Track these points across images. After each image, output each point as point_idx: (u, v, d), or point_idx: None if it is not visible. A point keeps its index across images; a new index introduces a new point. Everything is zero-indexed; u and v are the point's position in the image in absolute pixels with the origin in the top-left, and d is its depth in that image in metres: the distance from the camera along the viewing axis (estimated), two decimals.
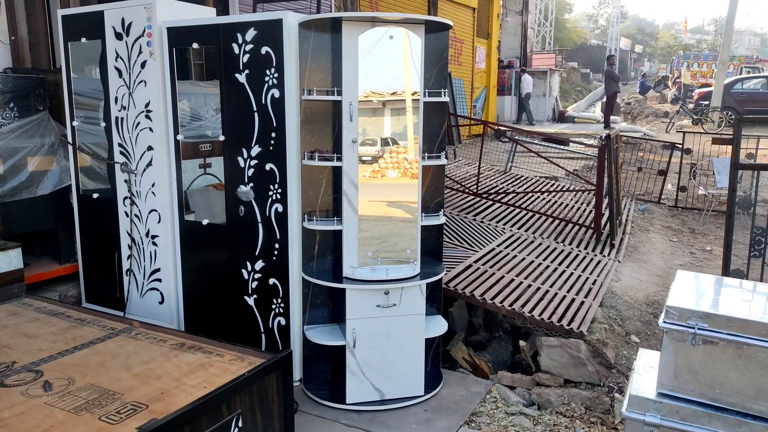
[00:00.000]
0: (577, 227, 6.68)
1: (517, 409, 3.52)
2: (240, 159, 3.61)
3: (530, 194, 7.78)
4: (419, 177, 3.46)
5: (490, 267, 4.95)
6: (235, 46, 3.51)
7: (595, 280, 5.09)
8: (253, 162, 3.57)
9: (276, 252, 3.58)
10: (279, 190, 3.51)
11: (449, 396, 3.59)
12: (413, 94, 3.37)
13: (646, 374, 2.71)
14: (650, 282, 5.57)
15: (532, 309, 4.23)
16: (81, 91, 4.24)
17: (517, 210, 7.01)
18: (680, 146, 9.35)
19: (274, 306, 3.65)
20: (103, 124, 4.14)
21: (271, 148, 3.50)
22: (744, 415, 2.38)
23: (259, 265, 3.65)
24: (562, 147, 11.22)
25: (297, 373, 3.66)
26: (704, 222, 8.15)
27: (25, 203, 4.28)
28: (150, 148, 3.93)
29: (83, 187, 4.34)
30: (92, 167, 4.31)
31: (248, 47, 3.47)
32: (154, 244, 4.02)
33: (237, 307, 3.77)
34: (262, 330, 3.71)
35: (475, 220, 6.43)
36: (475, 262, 5.01)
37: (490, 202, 7.17)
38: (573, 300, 4.53)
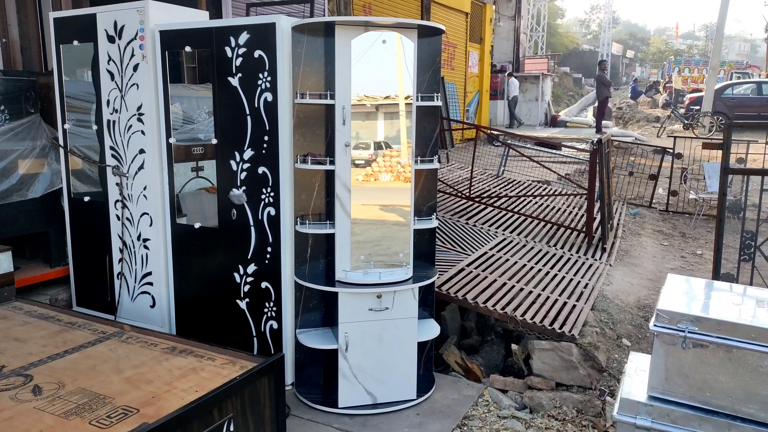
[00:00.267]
0: (569, 231, 6.71)
1: (509, 412, 3.52)
2: (232, 162, 3.61)
3: (522, 198, 7.81)
4: (412, 181, 3.47)
5: (483, 270, 4.96)
6: (227, 49, 3.51)
7: (587, 284, 5.11)
8: (246, 165, 3.57)
9: (268, 255, 3.57)
10: (271, 194, 3.51)
11: (441, 400, 3.59)
12: (406, 98, 3.37)
13: (637, 377, 2.73)
14: (641, 285, 5.59)
15: (524, 312, 4.24)
16: (73, 94, 4.23)
17: (510, 214, 7.04)
18: (671, 151, 9.42)
19: (266, 310, 3.64)
20: (94, 127, 4.12)
21: (263, 151, 3.49)
22: (734, 417, 2.40)
23: (251, 268, 3.64)
24: (554, 151, 11.28)
25: (289, 377, 3.65)
26: (695, 226, 8.21)
27: (16, 206, 4.25)
28: (142, 151, 3.92)
29: (74, 190, 4.32)
30: (84, 170, 4.29)
31: (241, 51, 3.47)
32: (146, 247, 4.00)
33: (229, 310, 3.76)
34: (254, 334, 3.70)
35: (467, 223, 6.44)
36: (468, 265, 5.02)
37: (483, 206, 7.19)
38: (565, 303, 4.55)
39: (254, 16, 7.00)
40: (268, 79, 3.40)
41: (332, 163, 3.36)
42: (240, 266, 3.67)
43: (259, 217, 3.57)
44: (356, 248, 3.41)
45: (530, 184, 8.90)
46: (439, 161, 3.67)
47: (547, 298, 4.60)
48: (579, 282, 5.12)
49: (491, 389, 3.77)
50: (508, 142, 9.70)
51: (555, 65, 29.00)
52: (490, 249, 5.62)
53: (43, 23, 5.16)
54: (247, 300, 3.69)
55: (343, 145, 3.31)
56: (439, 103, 3.62)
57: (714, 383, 2.42)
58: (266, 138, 3.47)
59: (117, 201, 4.08)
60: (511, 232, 6.38)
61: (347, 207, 3.36)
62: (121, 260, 4.13)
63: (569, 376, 3.85)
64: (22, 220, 4.30)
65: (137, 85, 3.85)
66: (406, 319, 3.45)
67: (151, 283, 4.03)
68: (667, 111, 21.38)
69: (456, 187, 7.69)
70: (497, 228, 6.47)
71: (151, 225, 3.96)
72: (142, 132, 3.89)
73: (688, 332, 2.43)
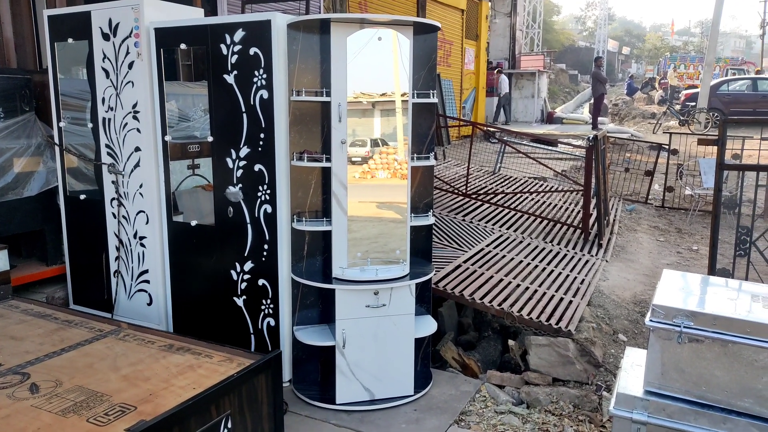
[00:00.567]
0: (565, 227, 6.73)
1: (506, 407, 3.54)
2: (228, 160, 3.60)
3: (519, 195, 7.82)
4: (408, 178, 3.47)
5: (480, 267, 4.97)
6: (223, 46, 3.50)
7: (583, 280, 5.12)
8: (242, 163, 3.56)
9: (265, 253, 3.57)
10: (268, 191, 3.51)
11: (439, 395, 3.60)
12: (402, 95, 3.38)
13: (633, 372, 2.74)
14: (637, 281, 5.61)
15: (521, 308, 4.25)
16: (68, 92, 4.21)
17: (506, 210, 7.05)
18: (667, 147, 9.44)
19: (263, 307, 3.64)
20: (90, 125, 4.11)
21: (259, 149, 3.49)
22: (729, 411, 2.41)
23: (248, 266, 3.64)
24: (550, 148, 11.29)
25: (287, 373, 3.66)
26: (691, 222, 8.23)
27: (12, 205, 4.24)
28: (137, 149, 3.91)
29: (70, 188, 4.31)
30: (79, 168, 4.29)
31: (236, 48, 3.46)
32: (142, 245, 4.00)
33: (226, 308, 3.76)
34: (252, 331, 3.70)
35: (464, 220, 6.45)
36: (465, 262, 5.03)
37: (479, 203, 7.20)
38: (561, 299, 4.56)
39: (250, 13, 6.99)
40: (264, 76, 3.40)
41: (328, 160, 3.36)
42: (237, 264, 3.67)
43: (256, 215, 3.57)
44: (353, 245, 3.41)
45: (527, 181, 8.91)
46: (436, 158, 3.67)
47: (544, 294, 4.62)
48: (575, 278, 5.13)
49: (488, 385, 3.78)
50: (505, 138, 9.70)
51: (551, 62, 29.03)
52: (487, 245, 5.63)
53: (38, 21, 5.14)
54: (244, 297, 3.69)
55: (339, 143, 3.31)
56: (435, 100, 3.62)
57: (709, 378, 2.43)
58: (262, 135, 3.47)
59: (113, 199, 4.07)
60: (508, 229, 6.40)
61: (344, 204, 3.36)
62: (117, 258, 4.12)
63: (566, 372, 3.86)
64: (17, 218, 4.29)
65: (132, 82, 3.85)
66: (403, 316, 3.46)
67: (147, 281, 4.02)
68: (662, 107, 21.40)
69: (452, 184, 7.70)
70: (494, 224, 6.48)
71: (147, 223, 3.95)
72: (138, 130, 3.88)
73: (684, 327, 2.44)
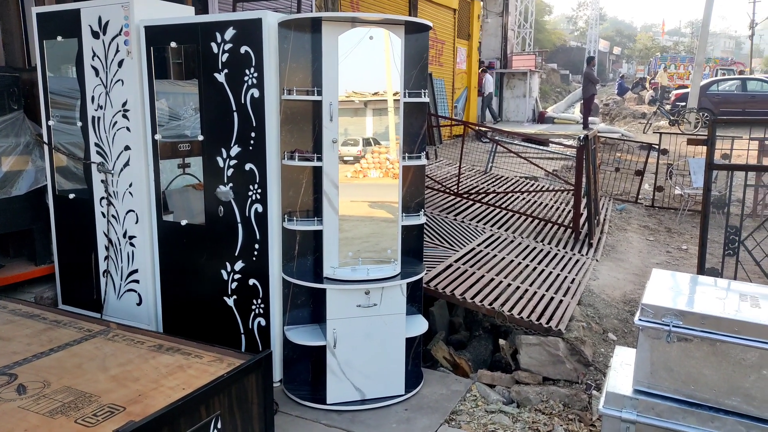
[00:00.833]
0: (556, 227, 6.75)
1: (496, 407, 3.55)
2: (219, 159, 3.59)
3: (510, 194, 7.84)
4: (399, 177, 3.47)
5: (471, 266, 4.98)
6: (213, 45, 3.49)
7: (574, 279, 5.14)
8: (233, 162, 3.55)
9: (256, 252, 3.56)
10: (259, 190, 3.50)
11: (430, 395, 3.60)
12: (394, 94, 3.37)
13: (622, 371, 2.75)
14: (627, 280, 5.64)
15: (512, 308, 4.26)
16: (57, 90, 4.18)
17: (498, 210, 7.06)
18: (657, 147, 9.49)
19: (254, 307, 3.63)
20: (79, 124, 4.08)
21: (250, 148, 3.48)
22: (717, 410, 2.43)
23: (238, 265, 3.63)
24: (541, 147, 11.33)
25: (277, 373, 3.65)
26: (680, 221, 8.28)
27: (0, 204, 4.20)
28: (127, 148, 3.89)
29: (59, 187, 4.28)
30: (68, 167, 4.25)
31: (227, 47, 3.45)
32: (132, 245, 3.97)
33: (216, 308, 3.74)
34: (242, 331, 3.69)
35: (455, 219, 6.46)
36: (456, 261, 5.04)
37: (471, 202, 7.21)
38: (552, 298, 4.58)
39: (241, 11, 6.96)
40: (255, 75, 3.39)
41: (320, 159, 3.35)
42: (227, 263, 3.66)
43: (247, 214, 3.55)
44: (344, 245, 3.41)
45: (518, 181, 8.93)
46: (427, 157, 3.67)
47: (535, 293, 4.63)
48: (566, 277, 5.15)
49: (479, 384, 3.79)
50: (496, 138, 9.72)
51: (542, 62, 29.12)
52: (478, 245, 5.64)
53: (26, 18, 5.10)
54: (234, 297, 3.68)
55: (330, 142, 3.30)
56: (426, 99, 3.62)
57: (698, 377, 2.44)
58: (253, 134, 3.46)
59: (102, 198, 4.04)
60: (499, 228, 6.41)
61: (335, 203, 3.36)
62: (106, 258, 4.10)
63: (556, 371, 3.87)
64: (5, 217, 4.25)
65: (122, 81, 3.82)
66: (395, 315, 3.46)
67: (137, 281, 4.00)
68: (653, 107, 21.52)
69: (444, 184, 7.70)
70: (485, 224, 6.49)
71: (137, 222, 3.93)
72: (128, 128, 3.86)
73: (673, 326, 2.45)
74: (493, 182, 8.60)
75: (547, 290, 4.74)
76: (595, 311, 4.72)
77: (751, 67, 33.43)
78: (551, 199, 8.06)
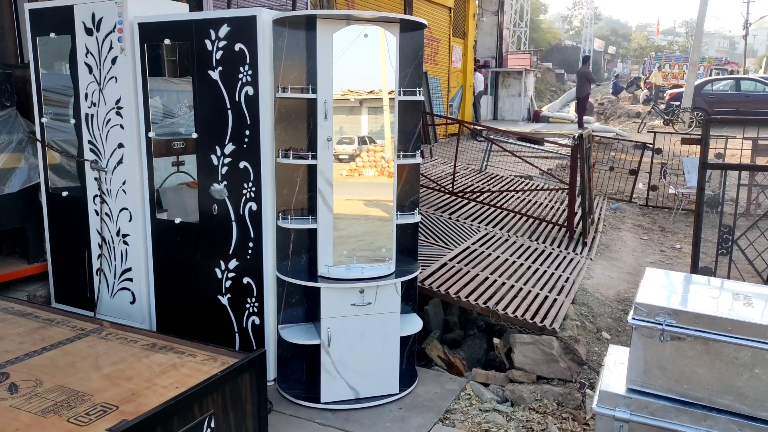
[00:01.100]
0: (550, 226, 6.76)
1: (490, 405, 3.55)
2: (213, 157, 3.58)
3: (505, 193, 7.85)
4: (394, 176, 3.47)
5: (465, 265, 4.98)
6: (208, 42, 3.47)
7: (568, 278, 5.15)
8: (227, 160, 3.54)
9: (250, 251, 3.55)
10: (253, 189, 3.48)
11: (424, 394, 3.60)
12: (390, 92, 3.37)
13: (616, 370, 2.76)
14: (621, 279, 5.66)
15: (506, 306, 4.27)
16: (50, 87, 4.15)
17: (492, 209, 7.07)
18: (651, 146, 9.52)
19: (248, 305, 3.62)
20: (72, 121, 4.06)
21: (245, 146, 3.47)
22: (710, 409, 2.43)
23: (232, 264, 3.62)
24: (536, 146, 11.34)
25: (271, 372, 3.64)
26: (674, 220, 8.31)
27: None
28: (121, 146, 3.87)
29: (52, 185, 4.26)
30: (62, 165, 4.23)
31: (221, 44, 3.43)
32: (125, 243, 3.96)
33: (210, 306, 3.73)
34: (236, 329, 3.68)
35: (450, 218, 6.46)
36: (450, 260, 5.04)
37: (466, 201, 7.22)
38: (546, 297, 4.59)
39: (235, 9, 6.93)
40: (249, 72, 3.37)
41: (314, 157, 3.34)
42: (221, 262, 3.65)
43: (241, 212, 3.54)
44: (339, 243, 3.40)
45: (513, 179, 8.95)
46: (422, 156, 3.67)
47: (529, 292, 4.64)
48: (560, 276, 5.16)
49: (473, 383, 3.79)
50: (491, 137, 9.73)
51: (538, 61, 29.16)
52: (473, 243, 5.64)
53: (19, 15, 5.06)
54: (228, 296, 3.67)
55: (325, 140, 3.30)
56: (421, 98, 3.61)
57: (691, 375, 2.45)
58: (247, 132, 3.44)
59: (96, 196, 4.02)
60: (494, 227, 6.42)
61: (329, 202, 3.35)
62: (100, 256, 4.08)
63: (550, 369, 3.88)
64: None
65: (116, 78, 3.80)
66: (389, 314, 3.45)
67: (131, 279, 3.99)
68: (647, 107, 21.59)
69: (439, 182, 7.71)
70: (480, 223, 6.50)
71: (130, 220, 3.91)
72: (121, 126, 3.84)
73: (666, 325, 2.46)
74: (488, 181, 8.60)
75: (541, 289, 4.75)
76: (589, 310, 4.73)
77: (745, 67, 33.57)
78: (546, 198, 8.07)
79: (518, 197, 7.87)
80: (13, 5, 5.08)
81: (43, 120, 4.18)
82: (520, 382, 3.86)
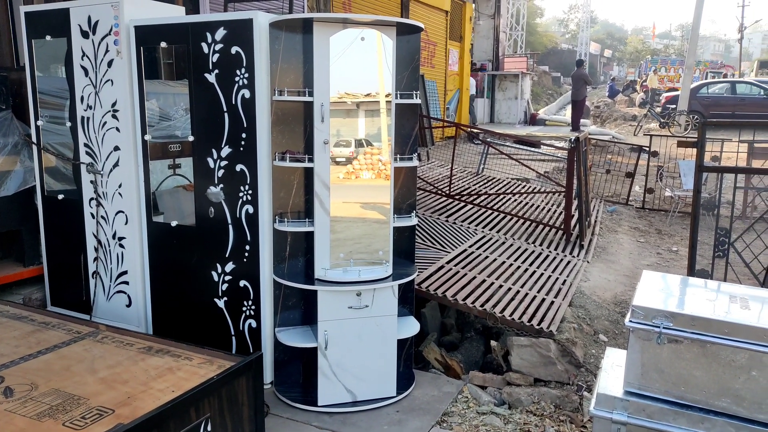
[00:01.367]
0: (547, 228, 6.77)
1: (488, 408, 3.54)
2: (210, 160, 3.57)
3: (502, 196, 7.85)
4: (391, 178, 3.47)
5: (462, 268, 4.98)
6: (204, 45, 3.47)
7: (565, 281, 5.15)
8: (223, 163, 3.53)
9: (247, 254, 3.54)
10: (249, 192, 3.48)
11: (421, 396, 3.60)
12: (386, 95, 3.37)
13: (613, 373, 2.76)
14: (618, 282, 5.66)
15: (503, 309, 4.27)
16: (46, 90, 4.14)
17: (489, 211, 7.07)
18: (647, 149, 9.54)
19: (244, 308, 3.61)
20: (68, 124, 4.05)
21: (241, 148, 3.46)
22: (707, 411, 2.43)
23: (229, 267, 3.61)
24: (533, 149, 11.36)
25: (268, 375, 3.63)
26: (670, 223, 8.33)
27: None
28: (117, 149, 3.86)
29: (48, 188, 4.24)
30: (57, 168, 4.22)
31: (218, 47, 3.43)
32: (121, 246, 3.94)
33: (207, 309, 3.72)
34: (233, 332, 3.67)
35: (447, 221, 6.46)
36: (448, 263, 5.03)
37: (463, 204, 7.22)
38: (543, 300, 4.59)
39: (232, 12, 6.93)
40: (246, 75, 3.37)
41: (311, 160, 3.34)
42: (218, 265, 3.64)
43: (237, 215, 3.53)
44: (336, 246, 3.39)
45: (509, 182, 8.95)
46: (419, 159, 3.67)
47: (526, 294, 4.64)
48: (557, 278, 5.17)
49: (471, 386, 3.78)
50: (488, 140, 9.74)
51: (534, 64, 29.22)
52: (470, 246, 5.64)
53: (14, 17, 5.05)
54: (225, 299, 3.66)
55: (321, 143, 3.29)
56: (418, 100, 3.62)
57: (688, 378, 2.45)
58: (244, 135, 3.44)
59: (92, 199, 4.01)
60: (491, 230, 6.42)
61: (326, 205, 3.35)
62: (96, 259, 4.06)
63: (547, 372, 3.88)
64: None
65: (112, 81, 3.79)
66: (386, 317, 3.45)
67: (126, 282, 3.97)
68: (643, 110, 21.65)
69: (436, 185, 7.71)
70: (477, 225, 6.50)
71: (126, 223, 3.90)
72: (117, 129, 3.83)
73: (663, 328, 2.46)
74: (484, 184, 8.61)
75: (538, 292, 4.75)
76: (586, 312, 4.73)
77: (741, 71, 33.70)
78: (543, 201, 8.08)
79: (515, 200, 7.88)
80: (9, 8, 5.07)
81: (39, 123, 4.16)
82: (517, 385, 3.85)
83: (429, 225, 6.16)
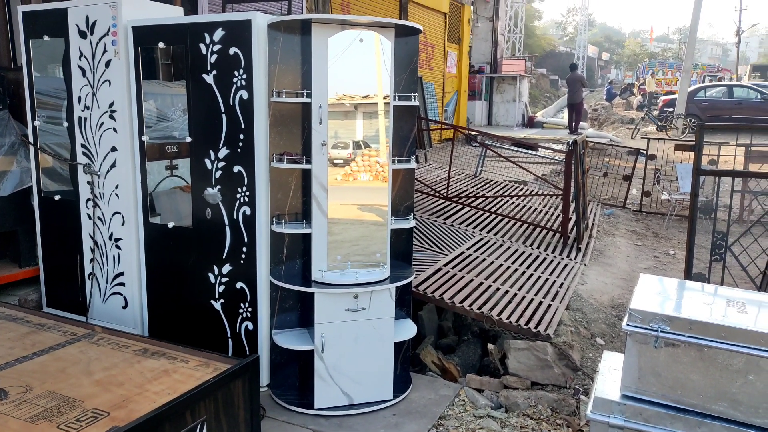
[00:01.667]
0: (544, 231, 6.77)
1: (485, 411, 3.54)
2: (207, 161, 3.56)
3: (499, 198, 7.85)
4: (389, 180, 3.46)
5: (460, 270, 4.98)
6: (202, 46, 3.46)
7: (562, 283, 5.15)
8: (221, 164, 3.52)
9: (243, 255, 3.53)
10: (247, 193, 3.47)
11: (418, 400, 3.59)
12: (384, 97, 3.36)
13: (610, 376, 2.76)
14: (615, 285, 5.66)
15: (501, 312, 4.26)
16: (43, 90, 4.13)
17: (487, 214, 7.07)
18: (645, 152, 9.56)
19: (241, 310, 3.60)
20: (65, 124, 4.03)
21: (239, 150, 3.45)
22: (704, 415, 2.43)
23: (226, 268, 3.60)
24: (531, 152, 11.37)
25: (264, 378, 3.62)
26: (668, 226, 8.34)
27: None
28: (114, 149, 3.84)
29: (45, 188, 4.23)
30: (54, 168, 4.20)
31: (216, 48, 3.42)
32: (118, 247, 3.93)
33: (203, 311, 3.71)
34: (229, 335, 3.66)
35: (445, 223, 6.46)
36: (445, 265, 5.03)
37: (460, 206, 7.22)
38: (540, 303, 4.58)
39: (230, 12, 6.93)
40: (244, 76, 3.36)
41: (309, 162, 3.33)
42: (215, 266, 3.63)
43: (235, 217, 3.52)
44: (333, 248, 3.39)
45: (507, 185, 8.96)
46: (417, 161, 3.66)
47: (523, 297, 4.63)
48: (554, 281, 5.16)
49: (467, 389, 3.78)
50: (486, 142, 9.75)
51: (532, 66, 29.27)
52: (467, 249, 5.64)
53: (12, 17, 5.04)
54: (221, 301, 3.64)
55: (319, 145, 3.29)
56: (416, 103, 3.61)
57: (686, 382, 2.45)
58: (242, 136, 3.43)
59: (88, 200, 4.00)
60: (488, 232, 6.42)
61: (324, 207, 3.34)
62: (92, 260, 4.05)
63: (544, 375, 3.87)
64: None
65: (109, 81, 3.78)
66: (383, 320, 3.44)
67: (123, 284, 3.96)
68: (641, 113, 21.70)
69: (434, 187, 7.71)
70: (474, 228, 6.49)
71: (123, 224, 3.89)
72: (114, 129, 3.82)
73: (661, 332, 2.46)
74: (482, 186, 8.61)
75: (535, 294, 4.75)
76: (584, 316, 4.72)
77: (738, 74, 33.81)
78: (540, 204, 8.08)
79: (513, 202, 7.88)
80: (6, 7, 5.06)
81: (36, 123, 4.15)
82: (514, 388, 3.85)
83: (427, 227, 6.16)
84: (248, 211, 3.48)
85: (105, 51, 3.76)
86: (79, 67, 3.89)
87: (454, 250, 5.54)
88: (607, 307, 5.07)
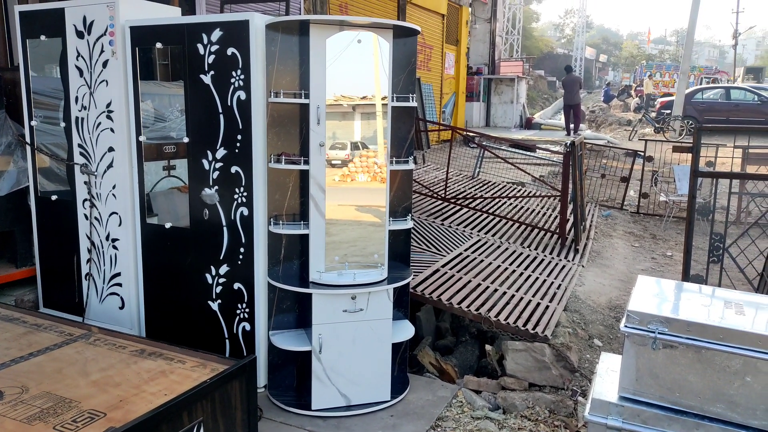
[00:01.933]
0: (542, 232, 6.77)
1: (482, 413, 3.53)
2: (205, 161, 3.55)
3: (497, 199, 7.85)
4: (387, 181, 3.46)
5: (458, 271, 4.97)
6: (200, 46, 3.45)
7: (560, 285, 5.15)
8: (219, 165, 3.51)
9: (241, 256, 3.52)
10: (245, 194, 3.46)
11: (416, 401, 3.58)
12: (383, 98, 3.36)
13: (608, 378, 2.75)
14: (613, 286, 5.67)
15: (498, 313, 4.26)
16: (40, 90, 4.12)
17: (485, 215, 7.07)
18: (642, 154, 9.57)
19: (238, 311, 3.59)
20: (62, 125, 4.02)
21: (236, 150, 3.45)
22: (702, 417, 2.43)
23: (223, 269, 3.59)
24: (528, 153, 11.38)
25: (262, 379, 3.61)
26: (665, 228, 8.35)
27: None
28: (111, 150, 3.84)
29: (42, 188, 4.22)
30: (51, 168, 4.19)
31: (213, 48, 3.42)
32: (115, 247, 3.92)
33: (200, 312, 3.70)
34: (227, 336, 3.65)
35: (443, 224, 6.46)
36: (443, 266, 5.03)
37: (458, 207, 7.22)
38: (538, 304, 4.58)
39: (228, 13, 6.93)
40: (242, 77, 3.36)
41: (306, 163, 3.33)
42: (212, 267, 3.62)
43: (232, 217, 3.52)
44: (331, 249, 3.38)
45: (505, 186, 8.96)
46: (415, 162, 3.66)
47: (521, 298, 4.63)
48: (552, 283, 5.16)
49: (465, 390, 3.77)
50: (484, 143, 9.75)
51: (530, 68, 29.30)
52: (465, 250, 5.64)
53: (9, 17, 5.02)
54: (219, 301, 3.64)
55: (317, 145, 3.28)
56: (414, 104, 3.61)
57: (683, 383, 2.45)
58: (239, 137, 3.43)
59: (85, 200, 3.99)
60: (486, 233, 6.42)
61: (321, 207, 3.34)
62: (89, 261, 4.03)
63: (542, 377, 3.87)
64: None
65: (107, 81, 3.77)
66: (381, 321, 3.44)
67: (120, 284, 3.95)
68: (638, 115, 21.74)
69: (432, 188, 7.71)
70: (472, 229, 6.49)
71: (120, 225, 3.88)
72: (112, 129, 3.81)
73: (658, 333, 2.45)
74: (480, 187, 8.61)
75: (533, 296, 4.75)
76: (581, 317, 4.73)
77: (734, 76, 33.89)
78: (538, 205, 8.09)
79: (510, 204, 7.88)
80: (3, 7, 5.05)
81: (33, 123, 4.14)
82: (512, 390, 3.85)
83: (424, 228, 6.16)
84: (246, 212, 3.47)
85: (102, 51, 3.75)
86: (77, 67, 3.88)
87: (452, 251, 5.53)
88: (604, 309, 5.07)
